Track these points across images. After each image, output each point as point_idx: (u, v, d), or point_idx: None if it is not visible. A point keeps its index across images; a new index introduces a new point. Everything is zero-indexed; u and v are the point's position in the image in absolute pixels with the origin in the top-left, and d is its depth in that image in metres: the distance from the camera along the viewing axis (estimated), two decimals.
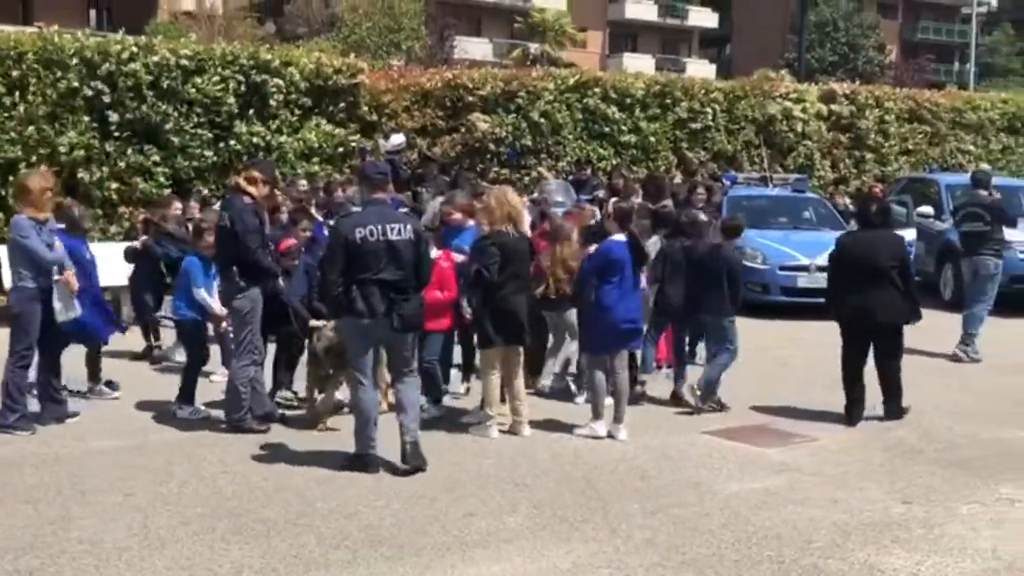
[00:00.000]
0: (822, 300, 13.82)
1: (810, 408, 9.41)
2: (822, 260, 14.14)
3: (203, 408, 8.67)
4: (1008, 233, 13.46)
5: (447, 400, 9.03)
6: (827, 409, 9.32)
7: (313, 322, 8.70)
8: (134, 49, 15.65)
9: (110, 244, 13.23)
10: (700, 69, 56.99)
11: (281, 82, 16.68)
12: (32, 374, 8.38)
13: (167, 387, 9.40)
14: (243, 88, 16.36)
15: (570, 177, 18.26)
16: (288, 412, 8.75)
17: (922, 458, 7.93)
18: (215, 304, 8.62)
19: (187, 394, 8.70)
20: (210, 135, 16.06)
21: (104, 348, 9.48)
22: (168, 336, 10.94)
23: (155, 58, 15.68)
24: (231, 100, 16.19)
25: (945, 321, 12.71)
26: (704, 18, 66.15)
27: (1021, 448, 8.24)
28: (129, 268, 11.44)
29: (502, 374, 8.35)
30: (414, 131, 18.11)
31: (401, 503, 6.54)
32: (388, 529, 6.11)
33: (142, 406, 8.98)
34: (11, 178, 12.79)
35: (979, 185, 13.17)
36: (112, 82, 15.32)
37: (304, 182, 14.84)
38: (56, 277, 8.16)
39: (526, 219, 8.72)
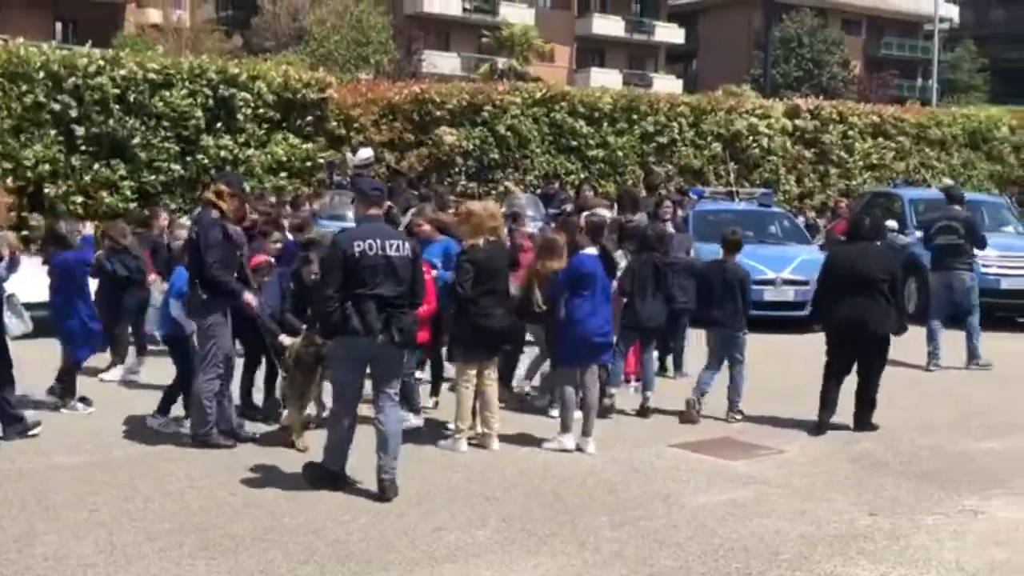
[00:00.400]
0: (788, 313, 14.16)
1: (777, 420, 9.48)
2: (788, 274, 14.40)
3: (174, 422, 8.61)
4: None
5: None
6: (794, 421, 9.40)
7: (283, 338, 8.63)
8: (101, 63, 15.60)
9: None
10: (667, 84, 57.39)
11: (249, 96, 16.68)
12: None
13: (131, 402, 9.38)
14: (211, 102, 16.35)
15: (538, 191, 18.33)
16: (261, 427, 8.70)
17: (887, 470, 8.00)
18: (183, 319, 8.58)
19: (165, 406, 8.68)
20: (177, 149, 16.03)
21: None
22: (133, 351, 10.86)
23: (122, 72, 15.64)
24: (199, 114, 16.17)
25: (908, 333, 12.79)
26: (670, 34, 66.57)
27: (984, 460, 8.33)
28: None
29: (479, 386, 8.39)
30: (382, 145, 18.14)
31: (369, 518, 6.52)
32: (356, 544, 6.09)
33: (106, 421, 8.89)
34: None
35: (953, 200, 13.39)
36: (78, 96, 15.26)
37: (273, 198, 14.81)
38: (8, 292, 8.12)
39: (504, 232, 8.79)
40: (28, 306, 8.75)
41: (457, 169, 18.89)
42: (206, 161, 16.09)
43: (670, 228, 11.43)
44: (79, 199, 15.12)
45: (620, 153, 20.11)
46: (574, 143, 19.79)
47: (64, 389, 9.24)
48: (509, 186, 18.86)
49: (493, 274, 8.26)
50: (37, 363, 9.41)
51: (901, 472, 7.93)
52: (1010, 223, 17.66)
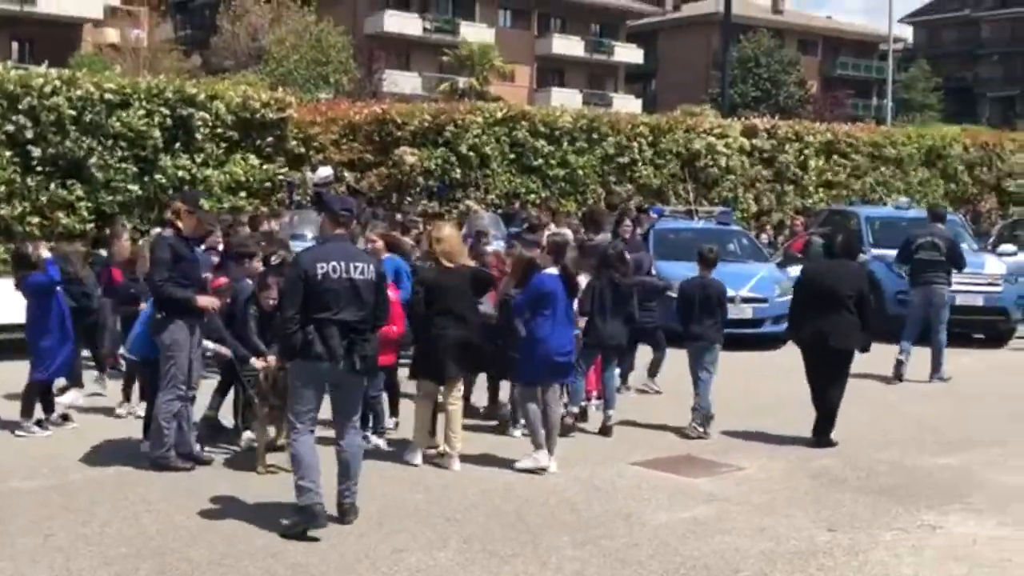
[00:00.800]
0: (747, 331, 14.24)
1: (737, 437, 9.53)
2: (747, 292, 14.49)
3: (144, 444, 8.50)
4: None
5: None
6: (754, 438, 9.47)
7: (255, 361, 8.52)
8: (57, 83, 15.47)
9: None
10: (626, 104, 57.77)
11: (207, 115, 16.60)
12: None
13: (88, 424, 9.28)
14: (168, 121, 16.26)
15: (499, 210, 18.39)
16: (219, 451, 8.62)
17: (846, 486, 8.06)
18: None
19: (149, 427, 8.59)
20: (135, 169, 15.92)
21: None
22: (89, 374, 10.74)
23: (79, 92, 15.52)
24: (156, 134, 16.07)
25: (873, 350, 12.93)
26: (629, 54, 67.07)
27: (941, 475, 8.42)
28: None
29: (442, 405, 8.42)
30: (342, 165, 18.12)
31: (329, 540, 6.47)
32: (316, 567, 6.04)
33: (64, 444, 8.78)
34: None
35: (937, 219, 13.82)
36: (34, 116, 15.12)
37: (228, 216, 14.73)
38: None
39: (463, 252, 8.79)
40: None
41: (418, 189, 18.89)
42: (164, 181, 15.97)
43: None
44: (35, 220, 14.95)
45: (581, 172, 20.21)
46: (535, 162, 19.86)
47: (23, 410, 9.12)
48: (470, 204, 18.89)
49: (445, 293, 8.28)
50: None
51: (859, 488, 8.00)
52: (964, 241, 17.89)
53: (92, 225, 15.30)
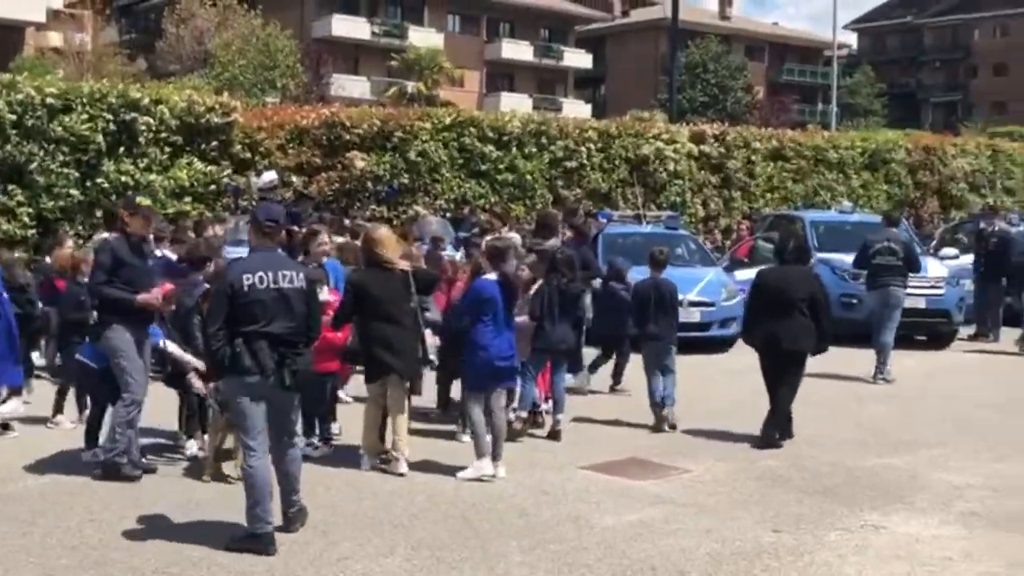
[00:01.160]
0: (694, 334, 14.33)
1: (684, 440, 9.59)
2: (694, 296, 14.58)
3: (100, 450, 8.37)
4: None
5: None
6: (701, 441, 9.53)
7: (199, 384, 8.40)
8: None
9: None
10: (576, 109, 58.02)
11: (151, 120, 16.42)
12: None
13: (27, 433, 9.14)
14: (112, 126, 16.05)
15: (448, 215, 18.37)
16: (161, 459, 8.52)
17: (791, 486, 8.14)
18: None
19: (92, 436, 8.45)
20: (77, 174, 15.70)
21: None
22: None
23: (19, 96, 15.29)
24: (99, 138, 15.87)
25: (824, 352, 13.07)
26: (579, 59, 67.37)
27: (884, 475, 8.52)
28: None
29: (386, 409, 8.38)
30: (289, 169, 17.98)
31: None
32: None
33: (3, 453, 8.62)
34: None
35: (892, 224, 14.35)
36: None
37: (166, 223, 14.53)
38: None
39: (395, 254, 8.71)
40: None
41: (367, 194, 18.82)
42: (107, 186, 15.77)
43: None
44: None
45: (529, 177, 20.23)
46: (484, 167, 19.86)
47: None
48: (419, 209, 18.84)
49: (380, 295, 8.22)
50: None
51: (804, 489, 8.08)
52: None
53: (33, 231, 15.07)
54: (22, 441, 8.96)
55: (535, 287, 9.81)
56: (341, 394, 10.05)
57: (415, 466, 8.36)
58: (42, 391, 10.58)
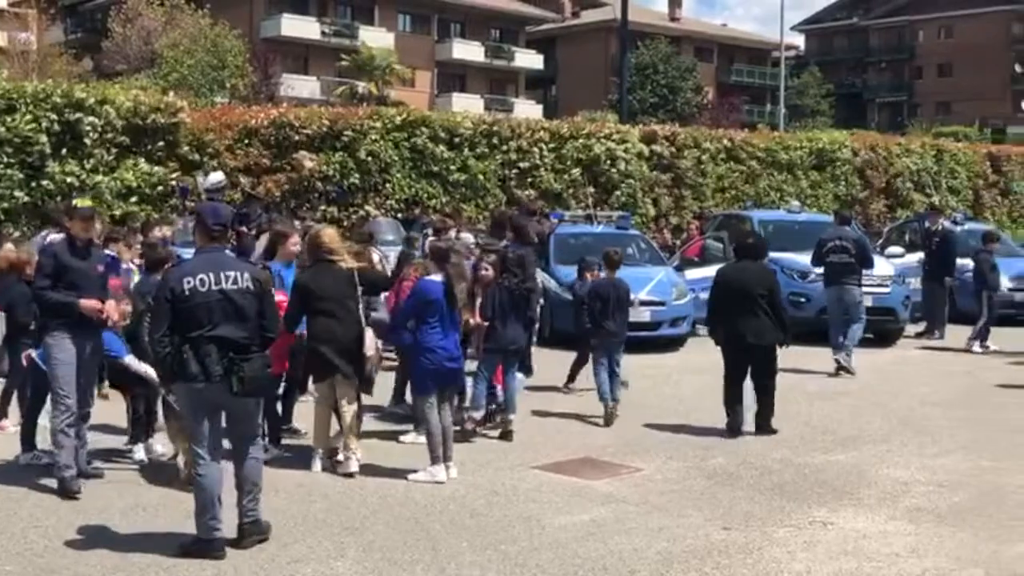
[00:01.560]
0: (645, 334, 14.40)
1: (635, 439, 9.63)
2: (645, 295, 14.65)
3: (42, 453, 8.22)
4: (811, 265, 14.44)
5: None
6: (652, 439, 9.58)
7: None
8: None
9: None
10: (527, 109, 58.05)
11: (97, 120, 16.21)
12: None
13: None
14: (56, 127, 15.82)
15: (399, 216, 18.31)
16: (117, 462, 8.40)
17: (741, 484, 8.20)
18: None
19: (29, 440, 8.31)
20: (21, 175, 15.47)
21: None
22: None
23: None
24: (43, 139, 15.65)
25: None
26: (530, 60, 67.45)
27: (832, 472, 8.61)
28: None
29: (336, 407, 8.36)
30: (237, 170, 17.83)
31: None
32: None
33: None
34: None
35: (844, 222, 14.74)
36: None
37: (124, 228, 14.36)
38: None
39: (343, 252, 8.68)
40: None
41: (317, 194, 18.71)
42: (52, 187, 15.55)
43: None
44: None
45: (481, 177, 20.23)
46: (435, 168, 19.82)
47: None
48: (369, 210, 18.77)
49: (324, 294, 8.21)
50: None
51: (754, 486, 8.14)
52: None
53: None
54: None
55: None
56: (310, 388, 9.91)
57: (366, 468, 8.32)
58: None
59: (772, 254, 16.09)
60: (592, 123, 24.89)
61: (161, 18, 44.62)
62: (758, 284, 9.89)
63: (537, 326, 12.58)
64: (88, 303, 7.57)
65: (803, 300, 15.51)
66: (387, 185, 19.31)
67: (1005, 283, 17.17)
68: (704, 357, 14.60)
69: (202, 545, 6.28)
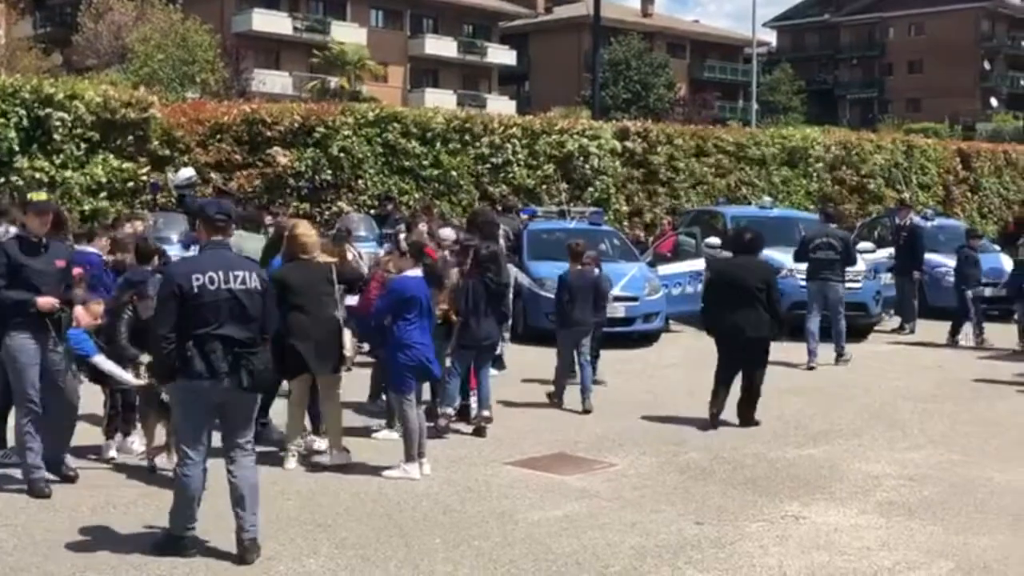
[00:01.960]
0: (618, 329, 14.43)
1: (609, 434, 9.64)
2: (618, 291, 14.66)
3: (11, 452, 8.12)
4: (784, 261, 14.54)
5: None
6: (626, 435, 9.60)
7: (129, 378, 8.20)
8: None
9: None
10: (501, 105, 58.02)
11: (66, 115, 16.06)
12: None
13: None
14: (25, 122, 15.66)
15: (372, 211, 18.25)
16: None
17: (714, 478, 8.23)
18: None
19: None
20: None
21: None
22: None
23: None
24: (12, 134, 15.51)
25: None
26: (502, 55, 67.43)
27: (804, 466, 8.66)
28: None
29: (323, 403, 8.38)
30: (209, 166, 17.71)
31: (196, 550, 6.29)
32: None
33: None
34: None
35: (830, 220, 15.12)
36: None
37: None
38: None
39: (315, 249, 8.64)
40: None
41: (289, 190, 18.62)
42: (21, 183, 15.38)
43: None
44: None
45: (455, 173, 20.19)
46: (408, 163, 19.77)
47: None
48: (342, 205, 18.70)
49: (300, 289, 8.19)
50: None
51: (726, 480, 8.18)
52: None
53: None
54: None
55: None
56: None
57: (338, 465, 8.29)
58: None
59: None
60: (565, 119, 24.88)
61: (132, 13, 44.31)
62: (756, 278, 10.10)
63: (510, 322, 12.62)
64: (44, 300, 7.32)
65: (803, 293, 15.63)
66: (360, 181, 19.24)
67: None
68: (677, 352, 14.73)
69: (173, 542, 6.23)
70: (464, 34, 66.37)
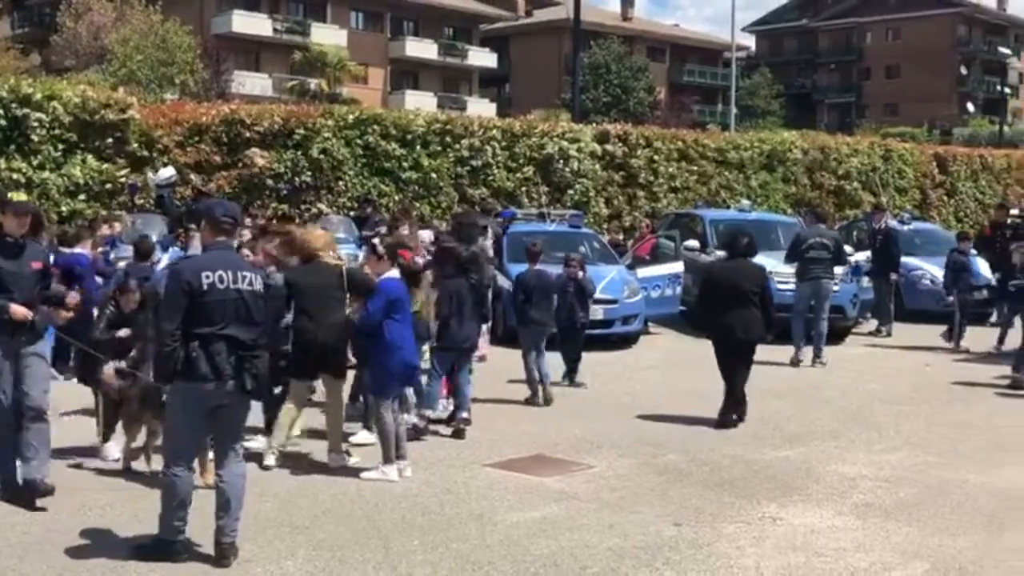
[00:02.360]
0: (597, 331, 14.45)
1: (587, 436, 9.66)
2: (598, 293, 14.66)
3: None
4: (772, 265, 14.58)
5: None
6: (604, 436, 9.62)
7: (108, 373, 8.13)
8: None
9: None
10: (481, 107, 57.96)
11: (44, 116, 15.97)
12: None
13: None
14: (2, 122, 15.57)
15: (352, 213, 18.23)
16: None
17: (691, 480, 8.27)
18: None
19: None
20: None
21: None
22: None
23: None
24: None
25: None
26: (483, 58, 67.41)
27: (782, 468, 8.71)
28: None
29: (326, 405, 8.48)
30: (188, 167, 17.65)
31: None
32: None
33: None
34: None
35: (819, 220, 15.47)
36: None
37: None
38: None
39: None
40: None
41: (268, 191, 18.58)
42: None
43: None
44: None
45: (434, 175, 20.18)
46: (387, 165, 19.75)
47: None
48: (322, 207, 18.66)
49: (304, 292, 8.26)
50: None
51: (704, 482, 8.21)
52: None
53: None
54: None
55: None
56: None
57: (317, 467, 8.31)
58: None
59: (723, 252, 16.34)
60: (545, 122, 24.91)
61: (111, 13, 44.10)
62: (750, 281, 10.28)
63: (490, 323, 12.65)
64: (18, 309, 7.08)
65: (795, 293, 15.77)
66: (339, 183, 19.22)
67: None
68: (656, 354, 14.77)
69: (164, 546, 6.16)
70: (444, 36, 66.32)
